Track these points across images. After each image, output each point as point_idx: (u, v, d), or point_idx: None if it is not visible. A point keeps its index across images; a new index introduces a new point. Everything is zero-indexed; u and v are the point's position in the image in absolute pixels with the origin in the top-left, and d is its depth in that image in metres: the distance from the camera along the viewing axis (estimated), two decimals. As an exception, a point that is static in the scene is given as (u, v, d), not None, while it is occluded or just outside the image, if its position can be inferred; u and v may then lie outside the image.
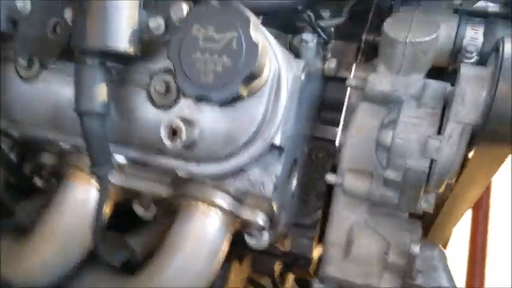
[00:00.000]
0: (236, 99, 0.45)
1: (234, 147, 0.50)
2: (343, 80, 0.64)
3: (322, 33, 0.60)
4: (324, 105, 0.68)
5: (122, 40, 0.45)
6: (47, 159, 0.63)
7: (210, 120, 0.49)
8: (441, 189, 0.54)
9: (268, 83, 0.49)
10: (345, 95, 0.62)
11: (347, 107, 0.64)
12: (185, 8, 0.46)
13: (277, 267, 0.72)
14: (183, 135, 0.47)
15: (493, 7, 0.66)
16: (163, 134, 0.48)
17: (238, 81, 0.43)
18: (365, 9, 0.68)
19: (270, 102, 0.50)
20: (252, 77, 0.44)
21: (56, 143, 0.58)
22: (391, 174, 0.53)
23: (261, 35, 0.44)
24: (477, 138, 0.50)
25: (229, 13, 0.43)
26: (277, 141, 0.52)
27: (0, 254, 0.58)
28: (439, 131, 0.50)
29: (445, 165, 0.50)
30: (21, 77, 0.54)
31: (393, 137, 0.52)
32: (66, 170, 0.61)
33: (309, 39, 0.58)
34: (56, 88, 0.54)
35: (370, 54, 0.68)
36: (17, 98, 0.54)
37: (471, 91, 0.47)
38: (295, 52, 0.61)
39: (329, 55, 0.64)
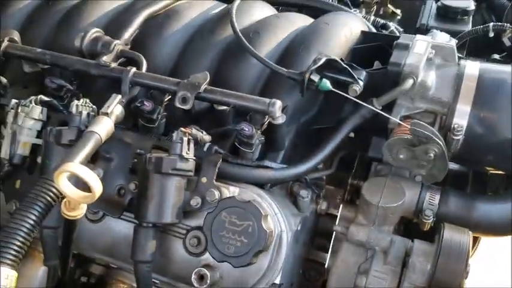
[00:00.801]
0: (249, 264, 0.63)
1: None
2: (332, 216, 0.83)
3: (315, 188, 0.78)
4: (316, 234, 0.86)
5: (169, 215, 0.64)
6: (96, 269, 0.82)
7: (228, 269, 0.67)
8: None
9: (272, 243, 0.67)
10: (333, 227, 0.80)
11: (334, 238, 0.82)
12: (216, 193, 0.65)
13: None
14: (208, 280, 0.66)
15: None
16: (194, 278, 0.66)
17: (250, 255, 0.62)
18: (350, 159, 0.87)
19: (274, 256, 0.68)
20: (260, 251, 0.62)
21: (107, 263, 0.77)
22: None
23: (271, 222, 0.63)
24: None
25: (247, 207, 0.62)
26: (277, 281, 0.69)
27: None
28: (398, 286, 0.68)
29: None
30: (89, 219, 0.72)
31: (365, 285, 0.70)
32: (110, 280, 0.80)
33: (304, 195, 0.76)
34: (114, 228, 0.73)
35: (355, 195, 0.87)
36: (85, 234, 0.73)
37: (420, 263, 0.66)
38: (294, 196, 0.79)
39: (321, 200, 0.82)
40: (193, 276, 0.66)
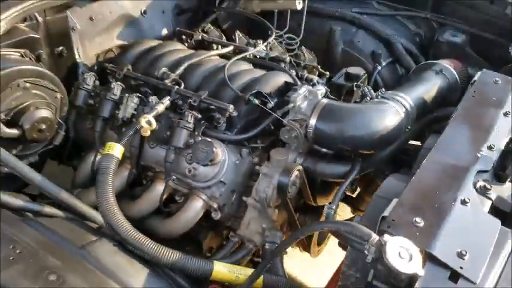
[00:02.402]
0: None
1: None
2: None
3: (251, 150, 1.72)
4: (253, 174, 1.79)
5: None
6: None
7: (199, 167, 1.62)
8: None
9: (220, 160, 1.61)
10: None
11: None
12: (208, 142, 1.61)
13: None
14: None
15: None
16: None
17: (207, 160, 1.57)
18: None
19: (220, 167, 1.61)
20: (212, 160, 1.57)
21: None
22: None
23: (219, 151, 1.57)
24: None
25: (211, 144, 1.58)
26: (223, 179, 1.63)
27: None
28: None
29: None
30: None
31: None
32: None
33: (244, 152, 1.70)
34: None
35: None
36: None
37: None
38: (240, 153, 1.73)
39: (255, 157, 1.75)
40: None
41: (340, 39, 2.48)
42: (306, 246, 1.88)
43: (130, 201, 1.77)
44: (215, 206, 1.66)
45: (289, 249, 1.94)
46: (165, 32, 2.42)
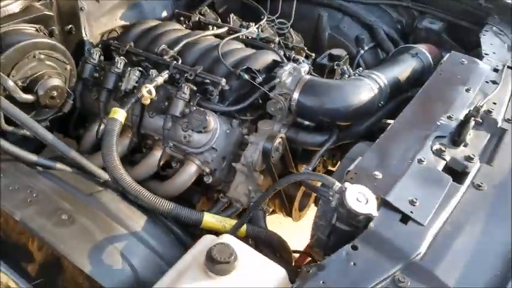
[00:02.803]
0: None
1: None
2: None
3: (241, 121, 1.91)
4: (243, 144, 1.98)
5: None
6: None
7: (193, 134, 1.81)
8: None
9: (212, 128, 1.80)
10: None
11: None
12: (203, 112, 1.80)
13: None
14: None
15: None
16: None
17: (201, 127, 1.76)
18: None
19: (212, 135, 1.80)
20: (205, 127, 1.76)
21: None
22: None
23: (211, 120, 1.76)
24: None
25: (204, 113, 1.77)
26: (214, 146, 1.82)
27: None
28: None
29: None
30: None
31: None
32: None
33: (234, 123, 1.89)
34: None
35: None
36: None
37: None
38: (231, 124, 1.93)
39: (244, 128, 1.93)
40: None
41: (327, 25, 2.67)
42: (288, 211, 2.08)
43: (131, 166, 1.96)
44: (207, 170, 1.86)
45: (274, 217, 2.16)
46: (164, 14, 2.60)
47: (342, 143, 1.94)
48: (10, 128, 1.70)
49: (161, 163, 1.92)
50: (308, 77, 1.85)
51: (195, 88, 1.84)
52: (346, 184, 1.26)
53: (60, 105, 1.87)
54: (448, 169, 1.45)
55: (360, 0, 2.76)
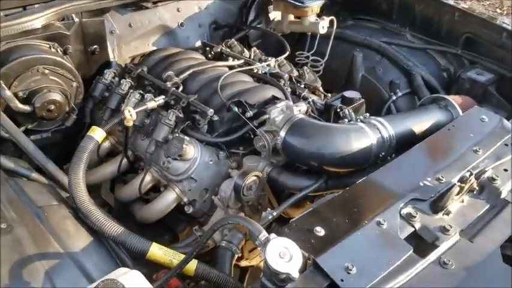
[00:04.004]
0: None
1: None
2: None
3: (230, 154, 1.83)
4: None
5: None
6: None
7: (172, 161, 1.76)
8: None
9: (192, 156, 1.75)
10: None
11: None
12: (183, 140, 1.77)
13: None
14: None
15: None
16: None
17: (177, 154, 1.71)
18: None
19: (191, 164, 1.75)
20: (181, 155, 1.71)
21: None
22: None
23: (192, 149, 1.71)
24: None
25: (183, 140, 1.72)
26: (193, 176, 1.76)
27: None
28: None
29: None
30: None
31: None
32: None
33: (220, 154, 1.81)
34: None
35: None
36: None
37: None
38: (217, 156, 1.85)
39: (233, 161, 1.85)
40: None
41: (362, 65, 2.51)
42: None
43: (122, 185, 1.97)
44: (185, 200, 1.80)
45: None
46: (198, 43, 2.64)
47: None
48: (6, 135, 1.79)
49: (148, 186, 1.90)
50: (300, 116, 1.73)
51: (181, 115, 1.81)
52: (272, 235, 1.12)
53: (63, 119, 1.95)
54: (415, 238, 1.23)
55: (405, 44, 2.57)
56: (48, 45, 1.92)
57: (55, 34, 1.95)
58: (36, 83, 1.83)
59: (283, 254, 1.08)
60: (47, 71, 1.84)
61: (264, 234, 1.13)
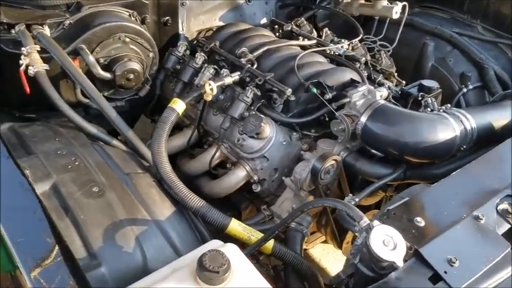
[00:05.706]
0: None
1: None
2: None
3: (302, 136, 1.81)
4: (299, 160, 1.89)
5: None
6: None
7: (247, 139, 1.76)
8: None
9: (267, 135, 1.74)
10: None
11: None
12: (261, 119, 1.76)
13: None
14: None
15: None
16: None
17: (255, 132, 1.70)
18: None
19: (265, 143, 1.75)
20: (258, 133, 1.70)
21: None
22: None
23: (268, 128, 1.70)
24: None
25: (261, 119, 1.71)
26: (266, 155, 1.75)
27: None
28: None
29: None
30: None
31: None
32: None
33: (294, 136, 1.80)
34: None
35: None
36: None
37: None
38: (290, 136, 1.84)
39: (305, 143, 1.84)
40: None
41: (432, 55, 2.45)
42: (338, 244, 1.92)
43: (189, 159, 1.98)
44: (255, 178, 1.80)
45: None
46: (264, 21, 2.60)
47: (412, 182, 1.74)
48: (86, 100, 1.82)
49: (216, 162, 1.91)
50: (382, 102, 1.70)
51: (259, 93, 1.79)
52: (375, 222, 1.11)
53: (137, 88, 1.96)
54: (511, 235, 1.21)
55: (476, 36, 2.49)
56: (128, 14, 1.92)
57: (135, 2, 1.95)
58: (116, 50, 1.84)
59: (387, 242, 1.07)
60: (127, 40, 1.84)
61: (365, 221, 1.12)
